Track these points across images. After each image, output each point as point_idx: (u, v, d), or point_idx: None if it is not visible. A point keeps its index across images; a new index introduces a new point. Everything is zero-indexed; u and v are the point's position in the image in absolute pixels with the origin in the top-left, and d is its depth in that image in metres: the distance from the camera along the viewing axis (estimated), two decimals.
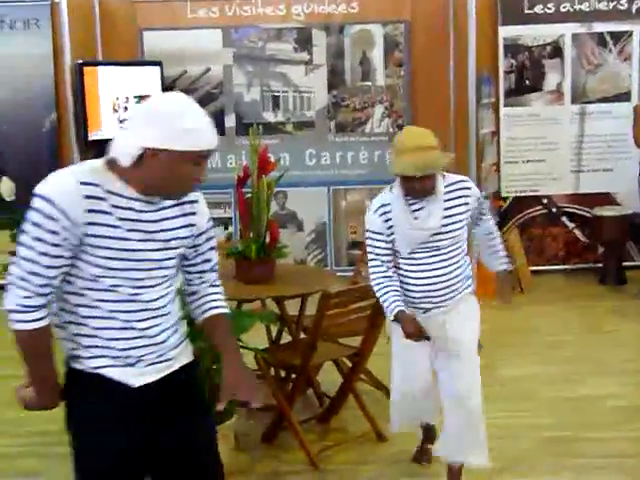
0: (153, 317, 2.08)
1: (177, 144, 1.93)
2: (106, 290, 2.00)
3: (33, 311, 1.94)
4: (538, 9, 6.69)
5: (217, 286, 2.32)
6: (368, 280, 3.25)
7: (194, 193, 2.14)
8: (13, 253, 1.95)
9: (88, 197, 1.94)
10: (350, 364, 3.97)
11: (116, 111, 6.01)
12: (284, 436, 3.86)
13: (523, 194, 6.90)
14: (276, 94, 6.76)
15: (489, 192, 6.59)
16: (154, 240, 2.05)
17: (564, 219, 6.95)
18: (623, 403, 4.24)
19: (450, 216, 3.07)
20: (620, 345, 5.28)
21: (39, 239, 1.90)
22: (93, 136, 5.85)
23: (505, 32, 6.69)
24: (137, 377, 2.08)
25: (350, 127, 6.83)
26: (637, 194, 6.33)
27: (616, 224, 6.54)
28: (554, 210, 6.94)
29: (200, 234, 2.20)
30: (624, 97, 6.76)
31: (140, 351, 2.07)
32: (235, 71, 6.72)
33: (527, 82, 6.79)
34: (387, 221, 3.09)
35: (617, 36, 6.71)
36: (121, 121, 6.03)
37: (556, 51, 6.74)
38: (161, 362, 2.12)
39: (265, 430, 3.86)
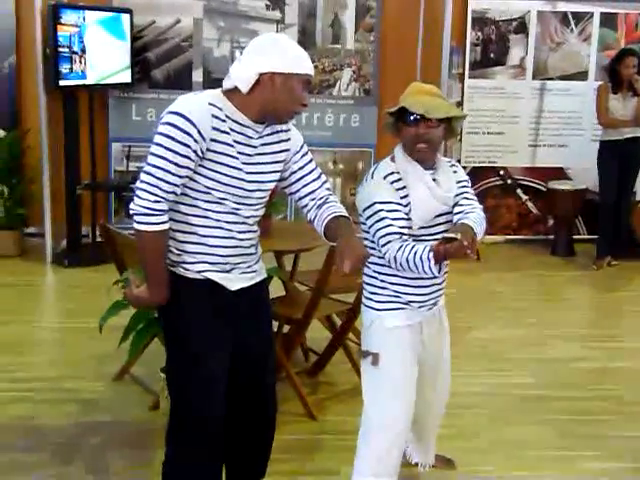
0: (248, 231, 2.39)
1: (292, 68, 2.24)
2: (215, 202, 2.28)
3: (160, 214, 2.19)
4: None
5: (333, 201, 2.50)
6: None
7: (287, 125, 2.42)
8: None
9: (214, 116, 2.21)
10: (339, 321, 4.07)
11: None
12: (277, 388, 3.93)
13: (481, 165, 7.10)
14: None
15: None
16: (257, 163, 2.33)
17: (518, 191, 7.20)
18: (596, 365, 4.49)
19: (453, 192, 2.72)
20: (578, 312, 5.56)
21: (171, 150, 2.15)
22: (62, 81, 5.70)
23: (474, 4, 6.82)
24: (233, 282, 2.39)
25: (317, 89, 6.86)
26: (589, 171, 6.61)
27: (568, 198, 6.81)
28: (509, 182, 7.18)
29: (295, 153, 2.46)
30: (582, 76, 7.02)
31: (236, 259, 2.38)
32: (205, 25, 6.63)
33: (492, 55, 6.96)
34: (400, 190, 2.60)
35: (579, 16, 6.94)
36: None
37: (521, 27, 6.93)
38: (249, 272, 2.44)
39: None
